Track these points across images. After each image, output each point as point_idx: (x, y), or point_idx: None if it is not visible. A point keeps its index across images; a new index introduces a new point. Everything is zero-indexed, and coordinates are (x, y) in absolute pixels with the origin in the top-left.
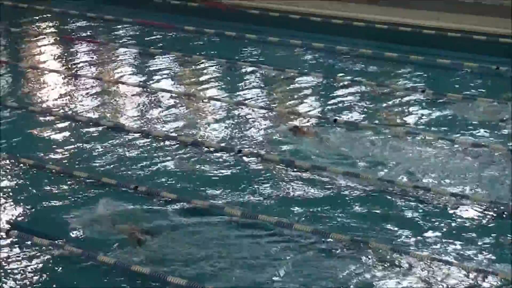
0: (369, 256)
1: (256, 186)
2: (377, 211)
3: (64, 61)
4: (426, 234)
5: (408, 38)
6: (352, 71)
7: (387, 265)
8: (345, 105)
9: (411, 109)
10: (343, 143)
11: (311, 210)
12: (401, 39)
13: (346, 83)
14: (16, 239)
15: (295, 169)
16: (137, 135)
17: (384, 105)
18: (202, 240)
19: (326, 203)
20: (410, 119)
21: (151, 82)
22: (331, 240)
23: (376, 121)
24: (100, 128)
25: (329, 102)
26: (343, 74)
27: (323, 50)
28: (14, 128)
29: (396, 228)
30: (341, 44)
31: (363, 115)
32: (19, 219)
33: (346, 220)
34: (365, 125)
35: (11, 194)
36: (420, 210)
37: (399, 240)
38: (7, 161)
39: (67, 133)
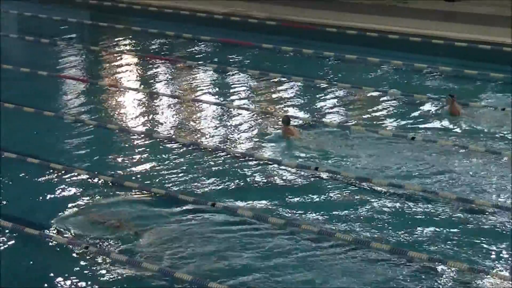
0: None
1: (331, 203)
2: (454, 230)
3: (142, 79)
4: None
5: (488, 56)
6: (431, 88)
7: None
8: (423, 122)
9: (491, 127)
10: (420, 160)
11: (385, 227)
12: (480, 56)
13: (424, 100)
14: (94, 255)
15: (371, 186)
16: (214, 152)
17: (464, 122)
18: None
19: (402, 221)
20: (490, 137)
21: (228, 99)
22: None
23: (455, 139)
24: (177, 146)
25: (407, 119)
26: (421, 91)
27: (401, 68)
28: (93, 145)
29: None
30: (419, 62)
31: (441, 133)
32: (98, 236)
33: (423, 239)
34: (444, 143)
35: (89, 210)
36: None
37: (476, 260)
38: (86, 178)
39: (144, 151)
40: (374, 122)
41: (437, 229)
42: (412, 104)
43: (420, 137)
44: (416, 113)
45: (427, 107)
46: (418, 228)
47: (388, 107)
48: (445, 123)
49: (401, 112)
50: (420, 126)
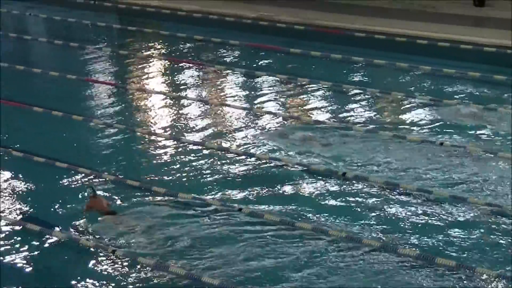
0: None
1: (359, 208)
2: (483, 236)
3: (170, 83)
4: None
5: None
6: (459, 93)
7: None
8: (452, 127)
9: None
10: (449, 166)
11: (413, 232)
12: (509, 62)
13: (453, 105)
14: (122, 259)
15: (400, 192)
16: (242, 157)
17: (493, 128)
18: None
19: (430, 226)
20: None
21: (256, 104)
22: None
23: (484, 144)
24: (205, 150)
25: (436, 124)
26: (450, 96)
27: (429, 73)
28: (121, 149)
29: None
30: (448, 67)
31: (470, 138)
32: (123, 238)
33: (453, 246)
34: (473, 148)
35: (117, 214)
36: None
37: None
38: (114, 182)
39: (172, 155)
40: (403, 127)
41: (466, 235)
42: (440, 109)
43: (448, 142)
44: (444, 118)
45: (455, 112)
46: (447, 234)
47: (417, 112)
48: (474, 128)
49: (430, 117)
50: (449, 131)
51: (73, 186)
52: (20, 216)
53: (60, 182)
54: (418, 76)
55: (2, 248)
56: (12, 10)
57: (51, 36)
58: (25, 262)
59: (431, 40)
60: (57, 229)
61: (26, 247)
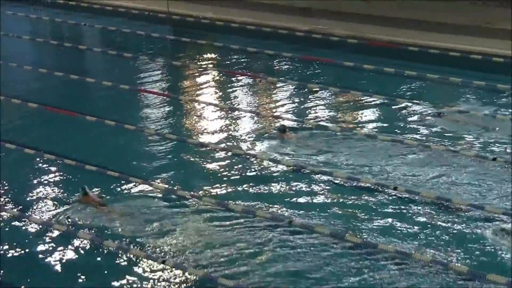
0: None
1: (409, 223)
2: None
3: (223, 95)
4: None
5: None
6: None
7: None
8: (506, 142)
9: None
10: (502, 182)
11: (463, 248)
12: None
13: (507, 121)
14: (171, 269)
15: (451, 207)
16: (292, 170)
17: None
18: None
19: (482, 243)
20: None
21: (308, 117)
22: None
23: None
24: (256, 162)
25: (489, 139)
26: (504, 112)
27: (484, 88)
28: (172, 159)
29: None
30: (502, 82)
31: None
32: (172, 248)
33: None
34: None
35: (166, 223)
36: None
37: None
38: (166, 192)
39: (224, 166)
40: (456, 142)
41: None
42: (494, 125)
43: (502, 158)
44: (498, 133)
45: (509, 127)
46: (498, 251)
47: (470, 127)
48: None
49: (483, 132)
50: (502, 146)
51: (124, 195)
52: (71, 224)
53: (112, 191)
54: (472, 90)
55: (53, 256)
56: (68, 20)
57: (105, 46)
58: (76, 270)
59: (485, 55)
60: (108, 238)
61: (76, 257)
